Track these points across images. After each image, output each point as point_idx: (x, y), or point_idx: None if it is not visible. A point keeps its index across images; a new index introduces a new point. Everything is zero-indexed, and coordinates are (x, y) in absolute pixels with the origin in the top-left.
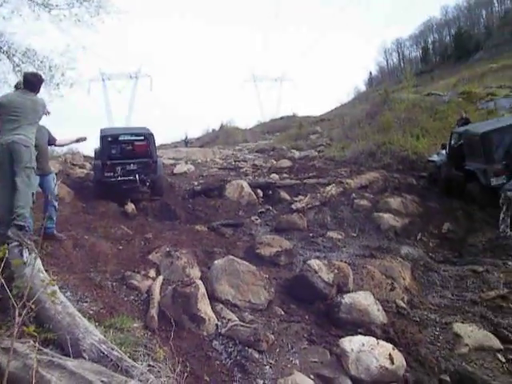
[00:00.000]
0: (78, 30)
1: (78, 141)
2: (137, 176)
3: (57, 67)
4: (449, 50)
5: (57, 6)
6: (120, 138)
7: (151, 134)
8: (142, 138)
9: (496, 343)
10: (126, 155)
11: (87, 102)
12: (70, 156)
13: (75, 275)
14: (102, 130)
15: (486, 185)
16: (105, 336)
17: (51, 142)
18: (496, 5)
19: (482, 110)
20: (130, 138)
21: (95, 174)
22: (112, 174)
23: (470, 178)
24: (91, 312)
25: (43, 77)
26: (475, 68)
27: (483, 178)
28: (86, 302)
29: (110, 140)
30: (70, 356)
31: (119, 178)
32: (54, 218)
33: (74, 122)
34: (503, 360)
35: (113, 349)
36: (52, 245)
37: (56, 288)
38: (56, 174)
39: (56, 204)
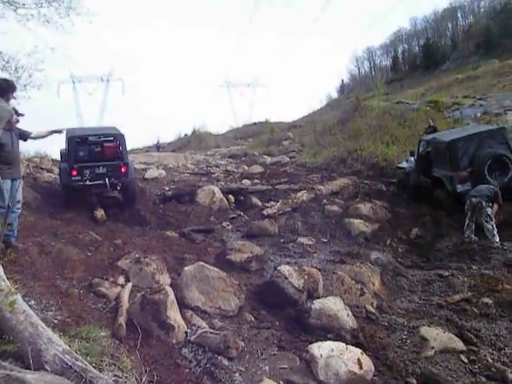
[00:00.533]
0: (47, 30)
1: (53, 132)
2: (107, 180)
3: (24, 68)
4: (417, 59)
5: (24, 4)
6: (88, 139)
7: (122, 135)
8: (112, 139)
9: (460, 345)
10: (95, 157)
11: (57, 105)
12: (37, 160)
13: (40, 283)
14: (68, 131)
15: (452, 191)
16: (70, 346)
17: (25, 137)
18: (460, 19)
19: (449, 118)
20: (99, 139)
21: (62, 178)
22: (80, 177)
23: (437, 184)
24: (56, 321)
25: (15, 84)
26: (442, 78)
27: (449, 184)
28: (51, 310)
29: (78, 141)
30: (30, 368)
31: (88, 182)
32: (15, 225)
33: (44, 125)
34: (466, 361)
35: (77, 359)
36: (16, 252)
37: (17, 297)
38: (23, 178)
39: (18, 211)
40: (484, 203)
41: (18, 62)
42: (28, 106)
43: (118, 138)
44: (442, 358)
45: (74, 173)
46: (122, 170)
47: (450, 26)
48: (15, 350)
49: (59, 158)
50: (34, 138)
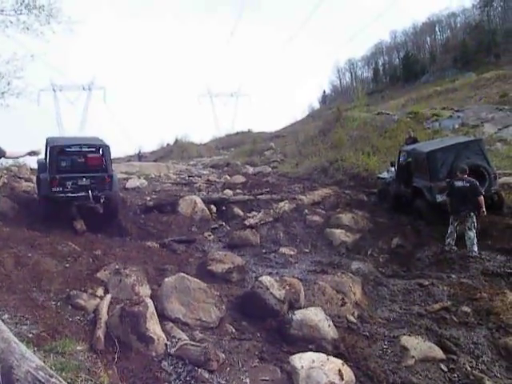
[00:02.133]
0: (27, 37)
1: (30, 154)
2: (90, 192)
3: (2, 75)
4: (398, 71)
5: (2, 11)
6: (71, 149)
7: (107, 146)
8: (97, 149)
9: (439, 354)
10: (78, 168)
11: (37, 113)
12: (15, 168)
13: (15, 296)
14: (49, 140)
15: (431, 201)
16: (44, 361)
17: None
18: (438, 33)
19: (429, 129)
20: (82, 149)
21: (40, 189)
22: (61, 189)
23: (417, 194)
24: (30, 335)
25: None
26: (422, 90)
27: (429, 194)
28: (26, 324)
29: (60, 151)
30: None
31: (69, 194)
32: None
33: (23, 133)
34: (445, 369)
35: (51, 376)
36: None
37: None
38: None
39: None
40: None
41: None
42: (6, 114)
43: (103, 148)
44: (422, 367)
45: (55, 184)
46: (106, 182)
47: (428, 39)
48: None
49: (36, 168)
50: (8, 158)
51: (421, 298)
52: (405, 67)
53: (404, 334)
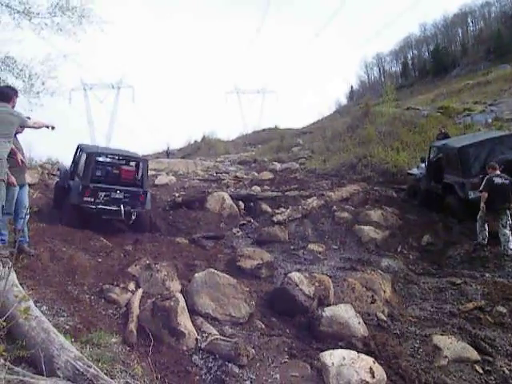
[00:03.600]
0: (60, 38)
1: (47, 127)
2: (122, 207)
3: (37, 76)
4: (427, 65)
5: (38, 14)
6: (107, 160)
7: (146, 161)
8: (134, 163)
9: (474, 355)
10: (112, 180)
11: (68, 112)
12: (49, 166)
13: (52, 289)
14: (84, 147)
15: (463, 198)
16: (81, 352)
17: (24, 125)
18: (470, 24)
19: (460, 124)
20: (119, 160)
21: (70, 197)
22: (93, 199)
23: (449, 191)
24: (67, 327)
25: (17, 90)
26: (452, 84)
27: (461, 191)
28: (63, 316)
29: (97, 159)
30: (43, 374)
31: (100, 206)
32: (25, 231)
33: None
34: (481, 371)
35: (89, 366)
36: (28, 257)
37: (30, 303)
38: (34, 185)
39: (26, 217)
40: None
41: (31, 70)
42: (40, 113)
43: (141, 162)
44: (456, 368)
45: (88, 193)
46: (141, 198)
47: (459, 31)
48: (28, 355)
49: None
50: (30, 127)
51: (453, 297)
52: (435, 61)
53: (436, 333)
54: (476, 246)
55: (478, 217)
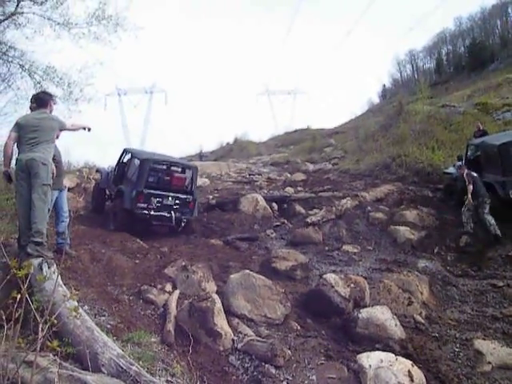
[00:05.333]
0: (95, 46)
1: (84, 128)
2: (173, 213)
3: (75, 83)
4: (463, 60)
5: (76, 24)
6: (159, 166)
7: (196, 168)
8: (185, 170)
9: None
10: (163, 187)
11: (104, 117)
12: (86, 170)
13: (93, 289)
14: (135, 152)
15: (504, 197)
16: (123, 350)
17: (63, 128)
18: (511, 15)
19: (499, 121)
20: (172, 167)
21: (123, 202)
22: (146, 205)
23: (488, 190)
24: (109, 326)
25: (52, 94)
26: (490, 79)
27: (501, 190)
28: (104, 315)
29: (152, 166)
30: (89, 370)
31: (153, 212)
32: (66, 234)
33: (92, 136)
34: None
35: (131, 364)
36: (70, 259)
37: (75, 302)
38: (73, 188)
39: (67, 220)
40: None
41: (70, 78)
42: (78, 119)
43: (192, 170)
44: (501, 375)
45: (141, 199)
46: (190, 206)
47: (499, 23)
48: (74, 352)
49: (99, 177)
50: (68, 130)
51: (495, 300)
52: (471, 55)
53: (477, 338)
54: (464, 235)
55: (466, 209)
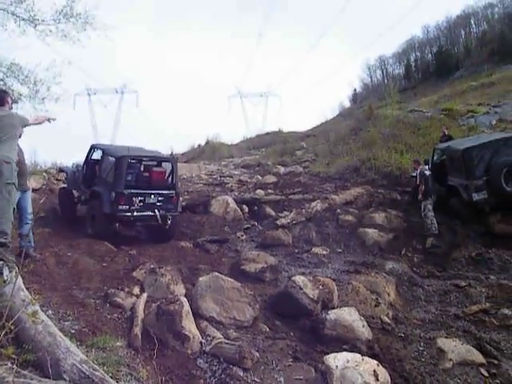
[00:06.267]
0: (64, 44)
1: (48, 120)
2: (157, 212)
3: (42, 82)
4: (430, 67)
5: (43, 21)
6: (140, 162)
7: (176, 159)
8: (166, 163)
9: (479, 358)
10: (143, 185)
11: (72, 117)
12: (53, 171)
13: (57, 293)
14: (108, 148)
15: (467, 200)
16: (87, 356)
17: (26, 124)
18: (473, 26)
19: (464, 126)
20: (151, 162)
21: (101, 206)
22: (128, 207)
23: (453, 193)
24: (73, 331)
25: (7, 90)
26: (456, 86)
27: (465, 193)
28: (68, 320)
29: (130, 162)
30: (49, 378)
31: (136, 213)
32: (30, 236)
33: (60, 136)
34: (486, 374)
35: (95, 369)
36: (34, 262)
37: (37, 307)
38: (38, 190)
39: (31, 222)
40: None
41: (36, 76)
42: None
43: (172, 163)
44: (461, 371)
45: (123, 201)
46: (174, 201)
47: (463, 33)
48: (34, 359)
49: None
50: (31, 125)
51: (457, 300)
52: (438, 63)
53: (441, 336)
54: (430, 237)
55: (427, 210)
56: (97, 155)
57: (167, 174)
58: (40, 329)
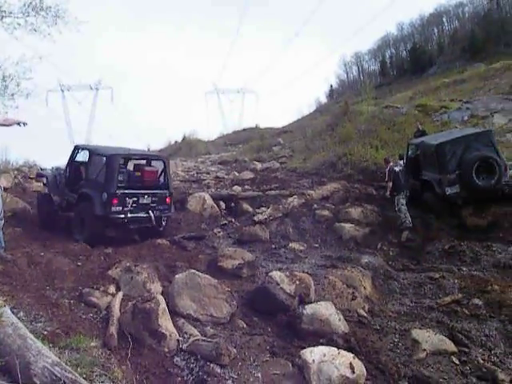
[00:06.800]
0: (35, 39)
1: (18, 124)
2: (151, 213)
3: (11, 77)
4: (405, 64)
5: (10, 13)
6: (132, 161)
7: (167, 158)
8: (158, 162)
9: (451, 346)
10: (135, 185)
11: (46, 114)
12: (26, 169)
13: (29, 294)
14: (96, 149)
15: (441, 194)
16: (59, 357)
17: None
18: (446, 24)
19: (437, 122)
20: (143, 161)
21: (94, 207)
22: (121, 208)
23: (427, 187)
24: (45, 332)
25: None
26: (430, 82)
27: (438, 187)
28: (41, 322)
29: (121, 162)
30: (19, 382)
31: (129, 215)
32: (1, 236)
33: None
34: (457, 362)
35: (66, 371)
36: (4, 263)
37: (6, 309)
38: (9, 188)
39: (1, 222)
40: None
41: (5, 71)
42: (16, 116)
43: (164, 162)
44: (434, 360)
45: (116, 202)
46: (167, 201)
47: (435, 30)
48: (3, 363)
49: (43, 183)
50: (1, 125)
51: (431, 292)
52: (412, 59)
53: (415, 328)
54: (405, 230)
55: (400, 204)
56: (81, 157)
57: (159, 174)
58: (9, 332)
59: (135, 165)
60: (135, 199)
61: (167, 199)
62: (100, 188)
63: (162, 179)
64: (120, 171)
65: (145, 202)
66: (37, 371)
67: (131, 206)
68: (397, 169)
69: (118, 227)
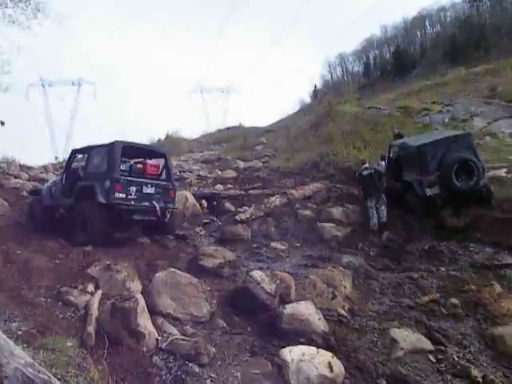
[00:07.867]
0: (14, 31)
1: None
2: (155, 203)
3: None
4: (388, 66)
5: None
6: (134, 152)
7: (168, 153)
8: (161, 156)
9: (428, 345)
10: (138, 176)
11: (26, 109)
12: (4, 165)
13: (4, 293)
14: (98, 145)
15: (421, 195)
16: (34, 358)
17: None
18: (428, 27)
19: (419, 123)
20: (145, 153)
21: (97, 195)
22: (124, 195)
23: (407, 188)
24: (20, 332)
25: None
26: (412, 84)
27: (419, 188)
28: (15, 321)
29: (124, 151)
30: None
31: (133, 203)
32: None
33: (11, 129)
34: (434, 360)
35: (40, 371)
36: None
37: None
38: None
39: None
40: None
41: None
42: None
43: (167, 156)
44: (412, 359)
45: (119, 188)
46: (171, 194)
47: (418, 33)
48: None
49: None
50: None
51: (410, 291)
52: (395, 61)
53: (393, 327)
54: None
55: (368, 207)
56: (79, 160)
57: (162, 168)
58: None
59: (142, 156)
60: (139, 188)
61: (171, 192)
62: (102, 178)
63: (163, 174)
64: (122, 161)
65: (148, 191)
66: (8, 373)
67: (135, 195)
68: (364, 173)
69: (122, 220)
